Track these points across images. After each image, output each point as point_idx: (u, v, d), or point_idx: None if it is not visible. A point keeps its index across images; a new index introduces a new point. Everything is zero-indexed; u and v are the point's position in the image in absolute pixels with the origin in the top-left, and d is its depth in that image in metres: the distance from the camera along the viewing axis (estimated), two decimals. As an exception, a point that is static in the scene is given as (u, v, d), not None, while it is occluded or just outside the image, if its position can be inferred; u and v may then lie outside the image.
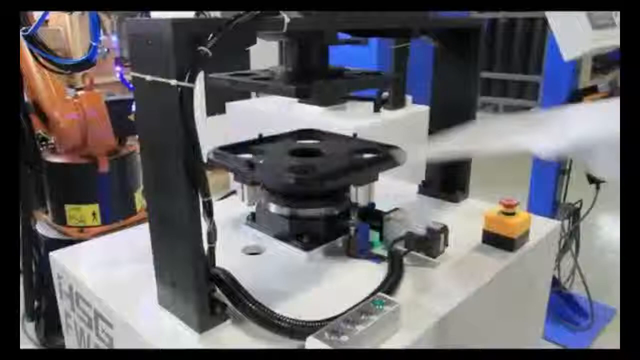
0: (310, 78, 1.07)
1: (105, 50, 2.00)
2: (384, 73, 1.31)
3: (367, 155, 1.23)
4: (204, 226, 0.85)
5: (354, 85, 1.28)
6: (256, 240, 1.23)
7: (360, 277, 1.07)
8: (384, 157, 1.21)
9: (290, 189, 1.16)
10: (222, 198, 1.65)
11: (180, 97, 0.75)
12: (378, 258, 1.12)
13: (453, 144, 0.86)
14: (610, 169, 0.62)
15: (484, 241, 1.20)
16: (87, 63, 2.01)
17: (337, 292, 1.01)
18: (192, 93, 0.76)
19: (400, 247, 1.11)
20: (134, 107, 0.92)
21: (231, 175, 1.25)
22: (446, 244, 1.11)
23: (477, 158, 1.20)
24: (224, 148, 1.25)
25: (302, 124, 1.54)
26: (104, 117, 2.17)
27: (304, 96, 1.07)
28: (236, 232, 1.27)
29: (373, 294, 0.92)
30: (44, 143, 2.33)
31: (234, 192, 1.46)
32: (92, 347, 1.11)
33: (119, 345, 1.00)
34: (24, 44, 1.92)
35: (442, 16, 1.26)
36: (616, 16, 1.38)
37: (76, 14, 3.99)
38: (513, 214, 1.17)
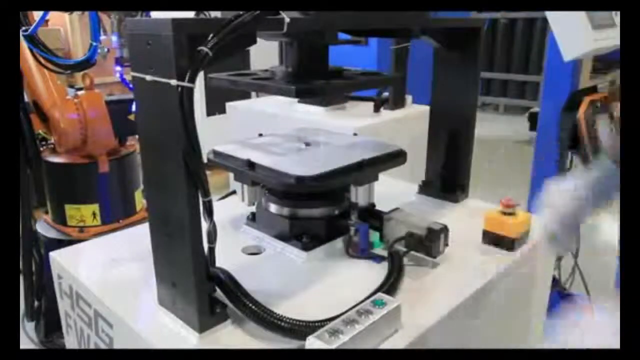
0: (310, 78, 1.07)
1: (106, 50, 2.00)
2: (384, 73, 1.31)
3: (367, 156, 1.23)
4: (204, 226, 0.85)
5: (354, 85, 1.28)
6: (256, 240, 1.23)
7: (360, 277, 1.07)
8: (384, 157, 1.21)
9: (290, 189, 1.15)
10: (222, 198, 1.65)
11: (180, 97, 0.75)
12: (378, 258, 1.12)
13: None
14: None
15: (484, 241, 1.20)
16: (87, 63, 2.00)
17: (337, 292, 1.01)
18: (192, 93, 0.76)
19: (400, 247, 1.11)
20: (134, 107, 0.92)
21: (231, 175, 1.25)
22: (446, 244, 1.11)
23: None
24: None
25: (302, 124, 1.54)
26: (104, 117, 2.16)
27: (304, 96, 1.07)
28: (236, 232, 1.27)
29: (373, 294, 0.92)
30: (44, 143, 2.33)
31: (234, 192, 1.46)
32: (92, 347, 1.11)
33: (119, 345, 1.00)
34: (24, 44, 1.91)
35: (442, 16, 1.26)
36: (616, 16, 1.38)
37: (76, 13, 4.00)
38: (513, 214, 1.17)
